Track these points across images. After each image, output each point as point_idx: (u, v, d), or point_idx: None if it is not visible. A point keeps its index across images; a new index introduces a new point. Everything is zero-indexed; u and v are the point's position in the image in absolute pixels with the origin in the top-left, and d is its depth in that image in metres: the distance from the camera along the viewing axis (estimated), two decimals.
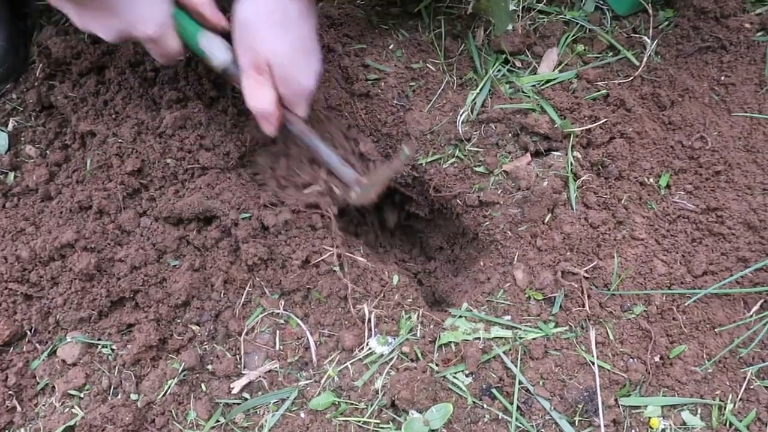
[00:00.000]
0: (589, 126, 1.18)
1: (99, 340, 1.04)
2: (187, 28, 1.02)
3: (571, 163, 1.16)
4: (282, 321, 1.07)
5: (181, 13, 1.02)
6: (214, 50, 1.03)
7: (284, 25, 1.00)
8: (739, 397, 1.00)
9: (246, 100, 1.03)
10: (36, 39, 1.30)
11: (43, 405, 1.02)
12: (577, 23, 1.31)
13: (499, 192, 1.17)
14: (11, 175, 1.20)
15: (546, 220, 1.12)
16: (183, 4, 1.02)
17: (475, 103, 1.23)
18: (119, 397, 1.00)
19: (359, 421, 0.98)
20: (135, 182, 1.12)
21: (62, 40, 1.21)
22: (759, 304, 1.05)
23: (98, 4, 0.93)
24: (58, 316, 1.04)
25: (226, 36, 1.03)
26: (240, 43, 1.01)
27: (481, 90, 1.23)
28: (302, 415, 1.00)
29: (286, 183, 1.17)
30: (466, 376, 1.00)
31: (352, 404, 0.99)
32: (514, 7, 1.31)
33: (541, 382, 0.98)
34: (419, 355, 1.02)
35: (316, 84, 1.07)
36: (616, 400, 0.97)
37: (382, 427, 0.97)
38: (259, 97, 1.03)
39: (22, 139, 1.23)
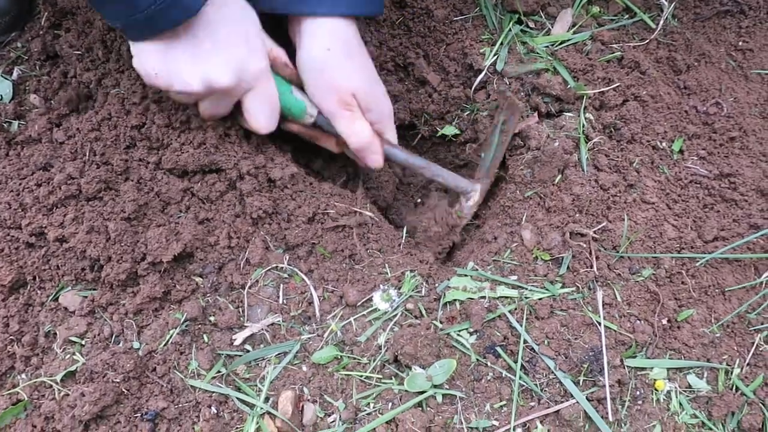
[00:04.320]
0: (603, 88, 1.16)
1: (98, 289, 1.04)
2: (276, 80, 1.01)
3: (583, 125, 1.14)
4: (286, 275, 1.06)
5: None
6: (308, 101, 1.04)
7: (353, 55, 1.02)
8: (747, 361, 0.99)
9: (349, 141, 1.06)
10: None
11: (45, 351, 1.01)
12: None
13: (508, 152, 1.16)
14: (15, 123, 1.18)
15: (556, 181, 1.10)
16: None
17: (494, 61, 1.20)
18: (120, 345, 0.99)
19: (361, 376, 0.97)
20: (138, 134, 1.10)
21: None
22: None
23: (220, 38, 0.90)
24: (59, 265, 1.03)
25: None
26: (317, 87, 1.02)
27: (499, 48, 1.21)
28: (304, 368, 0.99)
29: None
30: (471, 334, 0.99)
31: (354, 359, 0.98)
32: None
33: (546, 342, 0.97)
34: (423, 312, 1.01)
35: (391, 104, 1.10)
36: (621, 360, 0.96)
37: (384, 382, 0.96)
38: (359, 131, 1.05)
39: (27, 87, 1.21)
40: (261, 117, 1.00)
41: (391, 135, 1.12)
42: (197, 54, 0.90)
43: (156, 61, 0.90)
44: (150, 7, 0.81)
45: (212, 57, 0.90)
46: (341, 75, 1.01)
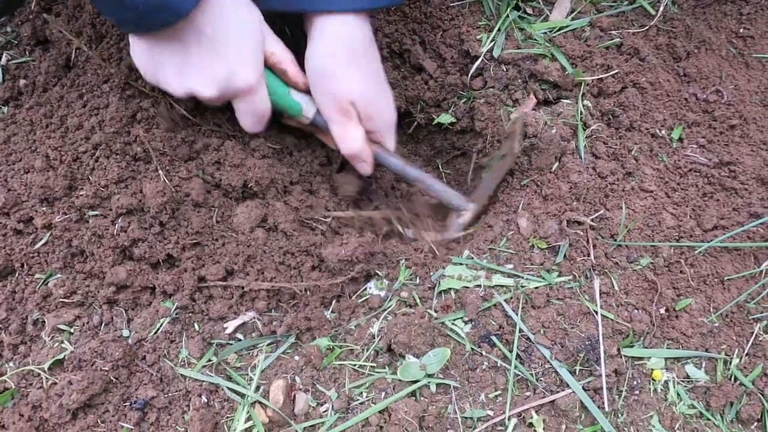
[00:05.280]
0: (601, 75, 1.14)
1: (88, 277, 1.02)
2: (275, 82, 1.00)
3: (581, 112, 1.12)
4: None
5: (266, 69, 0.99)
6: (308, 103, 1.04)
7: (357, 62, 1.01)
8: (746, 351, 0.97)
9: (339, 146, 1.06)
10: None
11: (32, 339, 1.00)
12: None
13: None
14: (5, 109, 1.17)
15: (553, 169, 1.08)
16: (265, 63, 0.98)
17: (491, 48, 1.19)
18: (110, 333, 0.98)
19: (354, 365, 0.96)
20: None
21: None
22: None
23: (208, 47, 0.87)
24: (47, 252, 1.02)
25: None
26: (318, 90, 1.02)
27: (497, 34, 1.19)
28: (296, 357, 0.98)
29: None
30: (465, 323, 0.98)
31: (347, 347, 0.97)
32: None
33: (542, 331, 0.96)
34: (418, 300, 1.00)
35: (396, 114, 1.11)
36: (618, 350, 0.95)
37: (377, 371, 0.95)
38: (350, 140, 1.05)
39: (16, 73, 1.19)
40: (247, 122, 1.01)
41: (390, 143, 1.12)
42: (183, 63, 0.89)
43: (145, 60, 0.91)
44: (138, 6, 0.79)
45: (196, 68, 0.89)
46: (341, 83, 1.00)
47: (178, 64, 0.89)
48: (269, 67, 1.00)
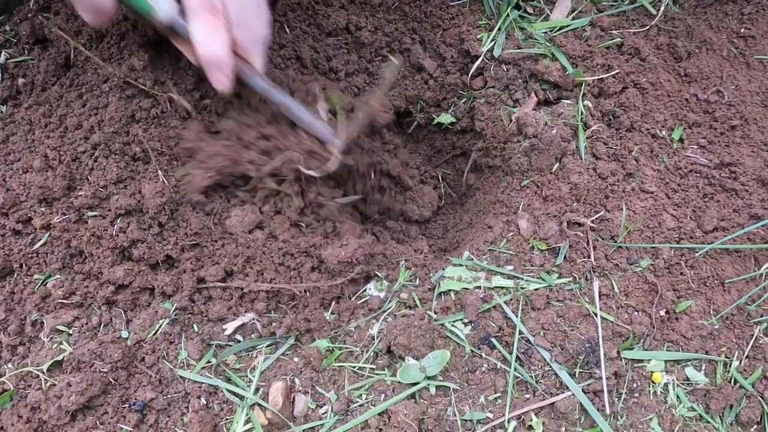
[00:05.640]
0: (602, 75, 1.13)
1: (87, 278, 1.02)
2: None
3: (582, 112, 1.11)
4: None
5: None
6: (163, 4, 0.89)
7: None
8: (746, 354, 0.97)
9: (196, 46, 0.89)
10: None
11: (31, 340, 1.00)
12: None
13: (505, 140, 1.13)
14: (3, 108, 1.16)
15: (553, 170, 1.08)
16: None
17: (491, 47, 1.18)
18: (109, 334, 0.97)
19: (354, 367, 0.95)
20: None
21: None
22: None
23: None
24: (46, 253, 1.01)
25: None
26: None
27: (497, 33, 1.19)
28: (296, 359, 0.98)
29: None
30: (465, 324, 0.97)
31: (346, 349, 0.97)
32: None
33: (541, 333, 0.96)
34: (417, 302, 0.99)
35: (270, 32, 0.98)
36: (618, 352, 0.94)
37: (377, 373, 0.95)
38: (212, 42, 0.88)
39: (15, 72, 1.19)
40: (85, 17, 0.90)
41: (258, 63, 0.96)
42: None
43: None
44: None
45: None
46: None
47: None
48: None
